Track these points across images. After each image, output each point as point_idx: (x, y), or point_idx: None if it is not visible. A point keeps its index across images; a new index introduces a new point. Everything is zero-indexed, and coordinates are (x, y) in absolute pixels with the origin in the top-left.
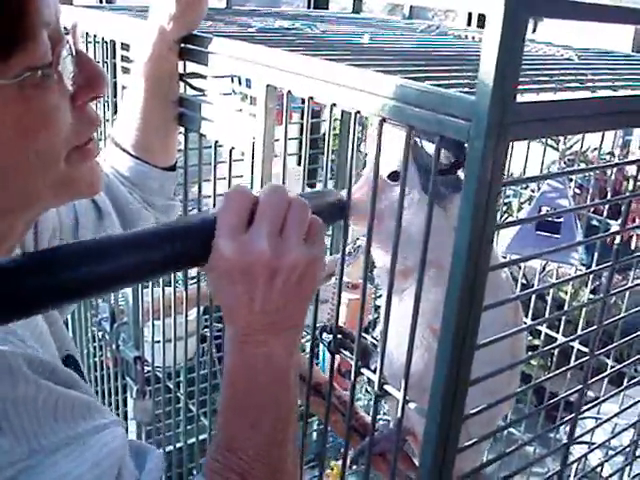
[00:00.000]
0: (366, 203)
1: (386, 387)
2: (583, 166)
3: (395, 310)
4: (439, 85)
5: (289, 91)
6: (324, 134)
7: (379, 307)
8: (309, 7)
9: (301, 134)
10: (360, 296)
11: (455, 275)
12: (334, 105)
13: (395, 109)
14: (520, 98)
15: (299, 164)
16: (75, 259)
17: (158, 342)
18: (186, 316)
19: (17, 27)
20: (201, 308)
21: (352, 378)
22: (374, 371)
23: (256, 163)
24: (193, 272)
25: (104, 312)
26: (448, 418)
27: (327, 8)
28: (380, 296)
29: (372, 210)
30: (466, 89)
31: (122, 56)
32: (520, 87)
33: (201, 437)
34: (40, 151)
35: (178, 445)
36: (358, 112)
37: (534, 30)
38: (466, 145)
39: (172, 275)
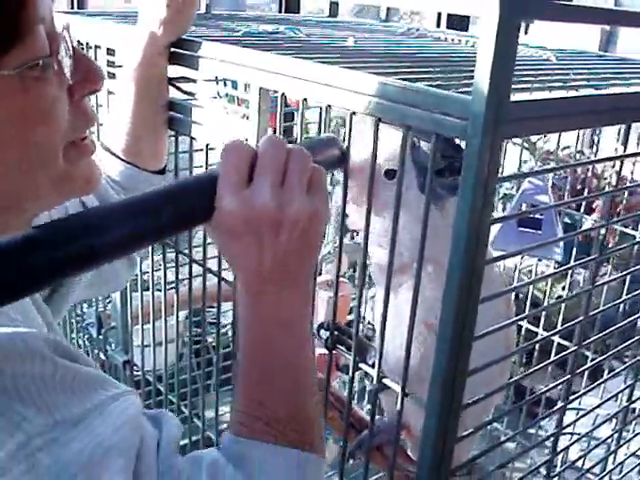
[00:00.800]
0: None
1: (385, 380)
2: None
3: (391, 305)
4: (432, 85)
5: (282, 94)
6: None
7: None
8: (280, 11)
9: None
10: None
11: (453, 268)
12: (329, 107)
13: (392, 110)
14: (513, 97)
15: None
16: (81, 229)
17: (148, 346)
18: (177, 317)
19: (16, 20)
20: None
21: (350, 373)
22: (372, 365)
23: None
24: (182, 275)
25: (90, 317)
26: (448, 407)
27: (299, 12)
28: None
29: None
30: (461, 89)
31: (107, 61)
32: (514, 87)
33: (194, 438)
34: (39, 144)
35: None
36: (354, 113)
37: (526, 32)
38: (462, 145)
39: (163, 279)
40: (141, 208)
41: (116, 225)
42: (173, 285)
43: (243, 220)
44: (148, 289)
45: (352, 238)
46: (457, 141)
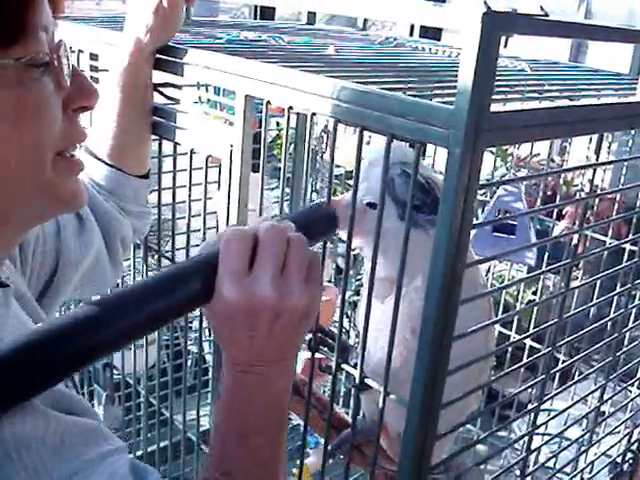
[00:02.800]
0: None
1: (367, 380)
2: (526, 172)
3: (380, 312)
4: (415, 95)
5: (267, 102)
6: (271, 142)
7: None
8: (255, 17)
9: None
10: (330, 297)
11: (435, 271)
12: (314, 115)
13: (377, 119)
14: (492, 107)
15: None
16: (81, 327)
17: (128, 349)
18: None
19: (21, 20)
20: None
21: (333, 374)
22: (354, 366)
23: (234, 170)
24: None
25: None
26: (428, 406)
27: (273, 18)
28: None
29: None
30: (443, 99)
31: (90, 66)
32: (493, 97)
33: (174, 439)
34: (30, 145)
35: (150, 449)
36: (338, 121)
37: (505, 46)
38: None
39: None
40: (138, 299)
41: (115, 323)
42: None
43: (243, 309)
44: None
45: (332, 242)
46: (424, 182)
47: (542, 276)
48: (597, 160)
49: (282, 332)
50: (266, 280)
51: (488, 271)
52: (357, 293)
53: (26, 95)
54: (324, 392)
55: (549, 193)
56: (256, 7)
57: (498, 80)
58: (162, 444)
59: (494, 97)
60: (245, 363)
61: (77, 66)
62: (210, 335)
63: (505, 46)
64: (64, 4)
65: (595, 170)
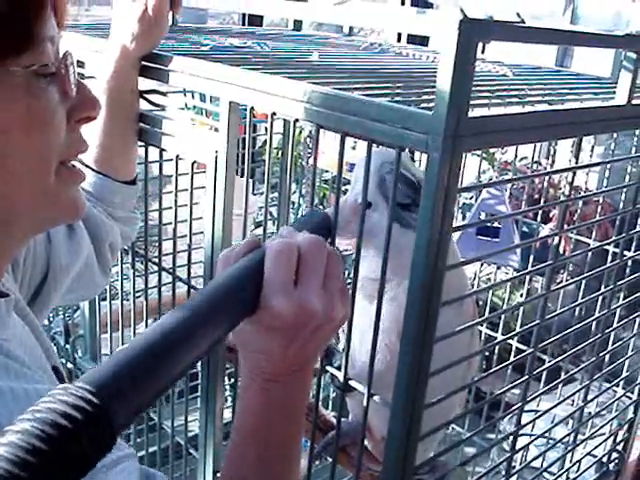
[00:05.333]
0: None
1: (351, 382)
2: (512, 175)
3: (369, 313)
4: (395, 101)
5: (251, 108)
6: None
7: None
8: (243, 23)
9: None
10: None
11: (416, 273)
12: (296, 121)
13: (357, 124)
14: (471, 113)
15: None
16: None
17: None
18: (146, 325)
19: (27, 30)
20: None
21: (317, 377)
22: (338, 368)
23: (219, 176)
24: (151, 283)
25: (57, 326)
26: (412, 406)
27: (261, 24)
28: None
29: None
30: (423, 105)
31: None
32: (472, 102)
33: (163, 445)
34: (36, 155)
35: (139, 454)
36: (320, 127)
37: (482, 51)
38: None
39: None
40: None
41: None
42: (142, 293)
43: (292, 321)
44: (117, 297)
45: None
46: (415, 181)
47: (528, 279)
48: (577, 163)
49: (315, 344)
50: (314, 294)
51: (476, 275)
52: None
53: (35, 104)
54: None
55: (536, 196)
56: (244, 14)
57: (479, 85)
58: (151, 449)
59: (474, 102)
60: (273, 373)
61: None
62: None
63: (482, 52)
64: (67, 16)
65: (575, 173)
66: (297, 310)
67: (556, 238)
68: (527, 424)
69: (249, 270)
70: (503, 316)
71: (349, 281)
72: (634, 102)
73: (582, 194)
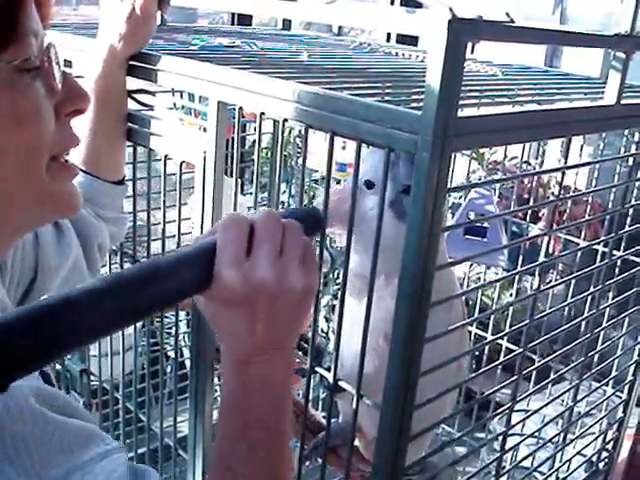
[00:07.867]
0: (340, 209)
1: (340, 383)
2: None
3: (358, 312)
4: (384, 100)
5: (240, 108)
6: (250, 147)
7: None
8: (233, 23)
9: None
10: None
11: (406, 274)
12: (285, 121)
13: (346, 124)
14: (460, 113)
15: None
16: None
17: (105, 356)
18: (134, 326)
19: (12, 23)
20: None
21: (307, 377)
22: (327, 369)
23: (208, 175)
24: None
25: None
26: (402, 407)
27: (251, 24)
28: None
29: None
30: (412, 104)
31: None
32: (462, 102)
33: (152, 446)
34: (25, 150)
35: (128, 455)
36: (309, 126)
37: (472, 51)
38: None
39: None
40: (135, 285)
41: (112, 304)
42: None
43: (242, 293)
44: None
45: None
46: None
47: (518, 278)
48: (566, 163)
49: (281, 318)
50: (264, 263)
51: (465, 275)
52: (336, 297)
53: (19, 99)
54: (299, 395)
55: (526, 196)
56: (233, 13)
57: (468, 85)
58: (140, 450)
59: (463, 102)
60: (245, 353)
61: (65, 69)
62: (189, 341)
63: (472, 52)
64: (53, 12)
65: (564, 173)
66: (245, 280)
67: (545, 238)
68: (517, 424)
69: (204, 244)
70: (493, 316)
71: (338, 282)
72: (623, 102)
73: (571, 194)
